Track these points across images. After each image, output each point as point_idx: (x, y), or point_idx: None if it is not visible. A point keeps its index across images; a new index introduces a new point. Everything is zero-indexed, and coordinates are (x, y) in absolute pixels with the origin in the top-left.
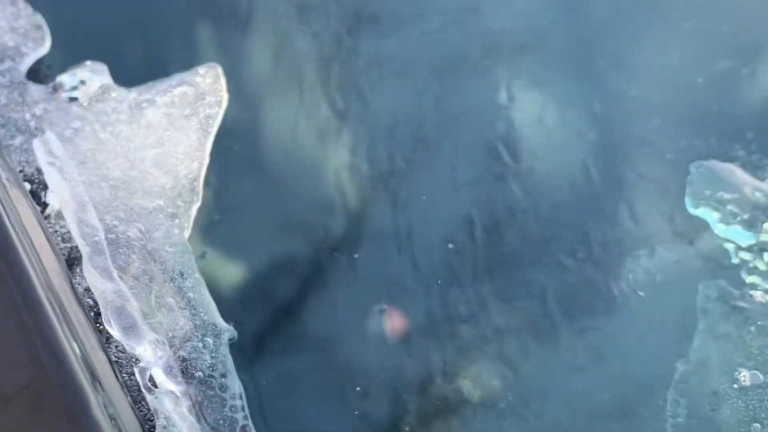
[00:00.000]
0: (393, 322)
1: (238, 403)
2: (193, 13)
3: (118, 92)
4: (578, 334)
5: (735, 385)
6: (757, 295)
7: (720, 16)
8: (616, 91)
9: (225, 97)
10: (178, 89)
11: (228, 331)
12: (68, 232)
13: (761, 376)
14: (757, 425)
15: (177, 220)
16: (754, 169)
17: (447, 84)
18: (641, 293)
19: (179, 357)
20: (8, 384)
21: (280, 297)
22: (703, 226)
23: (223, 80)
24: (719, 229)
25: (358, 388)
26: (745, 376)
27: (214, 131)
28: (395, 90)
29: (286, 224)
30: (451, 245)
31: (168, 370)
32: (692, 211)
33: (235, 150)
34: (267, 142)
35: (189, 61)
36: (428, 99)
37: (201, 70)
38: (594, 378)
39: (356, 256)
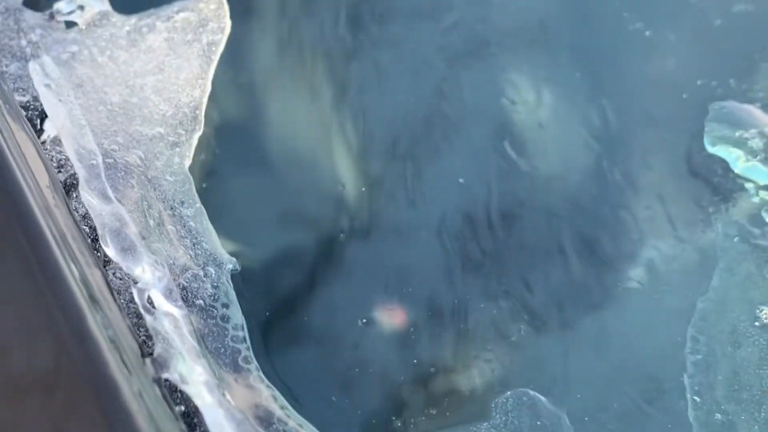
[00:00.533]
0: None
1: (240, 334)
2: None
3: (118, 18)
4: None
5: (756, 323)
6: None
7: None
8: (631, 29)
9: (228, 23)
10: (180, 15)
11: (230, 262)
12: (65, 158)
13: None
14: None
15: (178, 149)
16: None
17: (455, 77)
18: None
19: (179, 284)
20: (4, 296)
21: (285, 235)
22: (722, 165)
23: (226, 6)
24: (739, 167)
25: (364, 321)
26: (767, 314)
27: (216, 59)
28: (403, 82)
29: (289, 161)
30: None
31: (167, 293)
32: (711, 149)
33: (239, 82)
34: (269, 74)
35: None
36: (436, 92)
37: None
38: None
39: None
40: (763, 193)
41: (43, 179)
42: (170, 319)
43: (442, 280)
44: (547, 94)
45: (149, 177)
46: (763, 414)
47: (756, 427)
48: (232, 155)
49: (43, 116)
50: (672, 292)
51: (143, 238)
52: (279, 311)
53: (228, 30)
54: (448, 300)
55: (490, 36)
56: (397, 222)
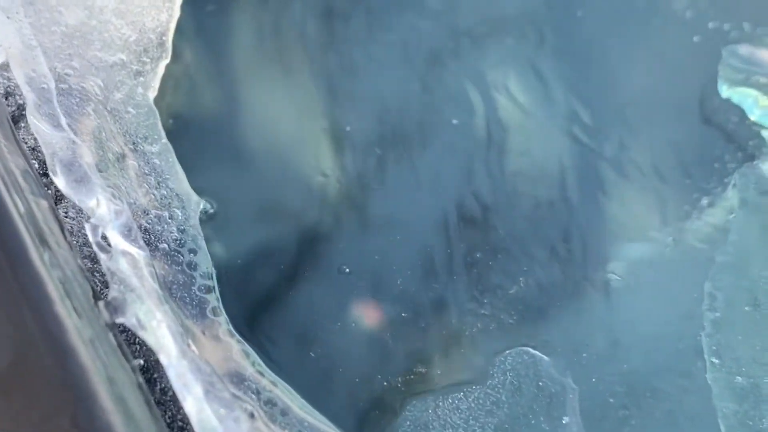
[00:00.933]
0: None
1: (208, 283)
2: None
3: None
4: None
5: None
6: None
7: None
8: (675, 27)
9: None
10: None
11: (200, 202)
12: (14, 84)
13: None
14: None
15: (142, 79)
16: None
17: (437, 70)
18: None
19: (140, 226)
20: None
21: (264, 221)
22: (737, 113)
23: None
24: (756, 113)
25: (347, 269)
26: None
27: None
28: (386, 74)
29: (269, 148)
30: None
31: (126, 231)
32: (725, 94)
33: (209, 10)
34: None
35: None
36: (418, 85)
37: None
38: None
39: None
40: None
41: None
42: (128, 258)
43: (419, 277)
44: (527, 90)
45: (109, 108)
46: None
47: None
48: (203, 98)
49: None
50: (688, 249)
51: (99, 170)
52: (253, 262)
53: None
54: (428, 299)
55: (473, 28)
56: (376, 216)
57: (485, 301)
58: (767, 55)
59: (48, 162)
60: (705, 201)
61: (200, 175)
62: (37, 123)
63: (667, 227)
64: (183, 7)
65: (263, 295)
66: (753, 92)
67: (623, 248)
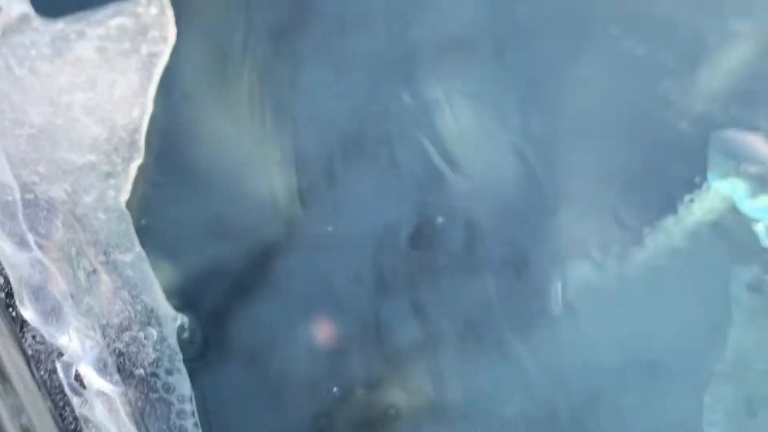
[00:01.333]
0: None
1: (188, 407)
2: None
3: (40, 22)
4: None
5: None
6: None
7: None
8: (623, 48)
9: (172, 32)
10: (115, 20)
11: (176, 318)
12: None
13: None
14: None
15: (113, 181)
16: None
17: (385, 89)
18: None
19: (114, 350)
20: None
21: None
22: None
23: (170, 12)
24: (746, 206)
25: (335, 389)
26: None
27: (158, 72)
28: (334, 95)
29: (225, 176)
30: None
31: (100, 367)
32: (715, 183)
33: (184, 98)
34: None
35: None
36: (365, 105)
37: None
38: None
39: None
40: None
41: None
42: (103, 399)
43: (369, 293)
44: (479, 107)
45: (77, 215)
46: None
47: None
48: (176, 183)
49: None
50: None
51: (71, 295)
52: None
53: (172, 40)
54: (377, 314)
55: (421, 48)
56: (323, 235)
57: (430, 317)
58: (755, 141)
59: (15, 289)
60: (647, 229)
61: (176, 280)
62: (1, 245)
63: (611, 249)
64: (156, 101)
65: (243, 421)
66: (740, 186)
67: (567, 268)
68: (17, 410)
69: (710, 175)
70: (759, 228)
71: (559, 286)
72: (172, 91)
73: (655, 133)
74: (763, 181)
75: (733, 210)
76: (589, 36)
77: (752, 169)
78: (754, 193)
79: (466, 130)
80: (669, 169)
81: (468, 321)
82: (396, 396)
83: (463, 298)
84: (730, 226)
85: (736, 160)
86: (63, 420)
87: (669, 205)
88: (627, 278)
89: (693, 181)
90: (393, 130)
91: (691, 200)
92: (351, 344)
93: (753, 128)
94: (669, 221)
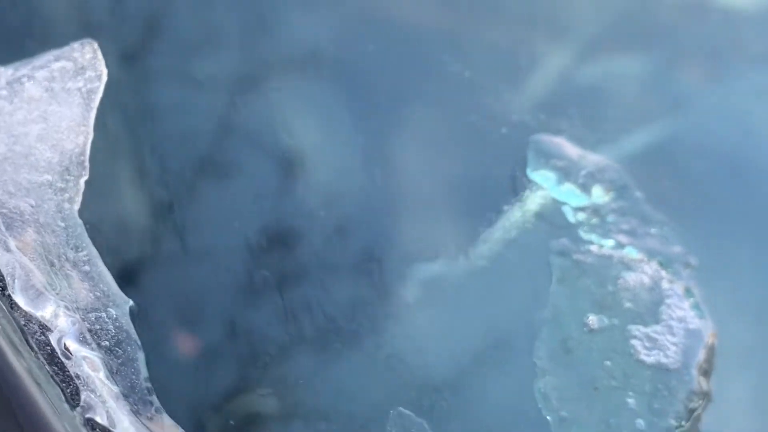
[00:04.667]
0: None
1: (142, 369)
2: None
3: None
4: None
5: (585, 329)
6: (594, 249)
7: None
8: (453, 71)
9: (104, 71)
10: (57, 64)
11: (128, 301)
12: None
13: (606, 320)
14: (608, 362)
15: (67, 194)
16: (578, 141)
17: (236, 105)
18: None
19: (88, 329)
20: None
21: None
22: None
23: (100, 56)
24: (556, 192)
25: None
26: (593, 320)
27: (96, 105)
28: (185, 114)
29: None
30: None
31: (81, 338)
32: (533, 177)
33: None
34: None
35: (62, 40)
36: (217, 115)
37: (77, 45)
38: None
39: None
40: (579, 215)
41: None
42: (88, 362)
43: (231, 303)
44: (325, 123)
45: (42, 223)
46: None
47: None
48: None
49: None
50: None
51: (50, 285)
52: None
53: (105, 77)
54: (241, 323)
55: (267, 68)
56: (185, 248)
57: (294, 323)
58: (560, 144)
59: (7, 282)
60: (484, 223)
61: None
62: None
63: (455, 246)
64: (96, 128)
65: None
66: (551, 178)
67: (417, 266)
68: (28, 372)
69: (528, 171)
70: (566, 209)
71: (411, 283)
72: (109, 119)
73: (482, 141)
74: (567, 173)
75: (547, 196)
76: (424, 61)
77: (559, 163)
78: (560, 182)
79: (314, 143)
80: (496, 169)
81: (329, 320)
82: (261, 401)
83: (324, 299)
84: (546, 209)
85: (547, 157)
86: (63, 373)
87: (499, 199)
88: (471, 270)
89: (516, 177)
90: (245, 145)
91: (515, 192)
92: (218, 353)
93: (558, 131)
94: (501, 213)
